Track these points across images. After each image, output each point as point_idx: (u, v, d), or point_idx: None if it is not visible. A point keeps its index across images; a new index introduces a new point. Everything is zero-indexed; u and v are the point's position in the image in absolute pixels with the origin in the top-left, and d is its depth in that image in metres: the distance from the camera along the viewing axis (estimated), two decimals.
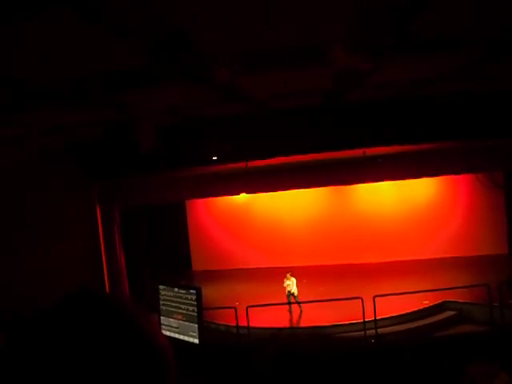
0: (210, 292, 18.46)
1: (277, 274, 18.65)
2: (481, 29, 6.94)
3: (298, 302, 15.85)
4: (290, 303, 15.91)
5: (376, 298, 13.18)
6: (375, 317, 13.19)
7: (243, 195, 20.65)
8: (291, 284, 16.06)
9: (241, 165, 15.48)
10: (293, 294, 15.96)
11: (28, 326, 1.13)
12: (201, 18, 5.76)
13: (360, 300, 13.15)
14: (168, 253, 22.10)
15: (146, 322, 1.18)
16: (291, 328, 15.21)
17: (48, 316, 1.14)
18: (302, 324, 15.36)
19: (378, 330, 13.38)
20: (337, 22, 6.33)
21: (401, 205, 22.37)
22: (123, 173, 15.12)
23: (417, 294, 14.40)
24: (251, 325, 13.66)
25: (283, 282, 16.23)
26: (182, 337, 7.45)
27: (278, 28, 6.38)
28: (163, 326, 7.78)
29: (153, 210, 20.57)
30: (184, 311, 7.44)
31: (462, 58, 8.53)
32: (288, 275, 16.25)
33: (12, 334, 1.13)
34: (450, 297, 15.03)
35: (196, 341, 7.23)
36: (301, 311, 15.89)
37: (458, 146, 15.20)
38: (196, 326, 7.25)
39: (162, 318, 7.85)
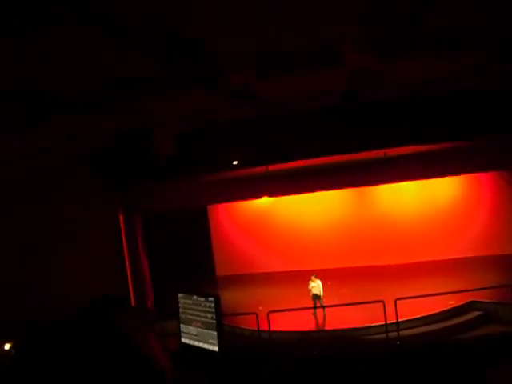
0: (235, 297, 18.47)
1: (300, 277, 18.62)
2: (494, 27, 6.86)
3: (323, 306, 15.72)
4: (315, 307, 15.77)
5: (401, 300, 13.10)
6: (397, 319, 13.09)
7: (265, 199, 20.65)
8: (316, 286, 15.92)
9: (261, 169, 15.48)
10: (318, 296, 15.82)
11: (23, 348, 1.14)
12: (213, 23, 5.77)
13: (385, 302, 13.06)
14: (191, 258, 22.17)
15: (147, 345, 1.19)
16: (316, 331, 15.12)
17: (47, 337, 1.15)
18: (326, 327, 15.26)
19: (404, 332, 13.25)
20: (349, 22, 6.31)
21: (423, 205, 22.15)
22: (144, 180, 15.21)
23: (442, 295, 14.24)
24: (276, 329, 13.64)
25: (308, 285, 16.12)
26: (201, 344, 7.45)
27: (291, 30, 6.38)
28: (183, 334, 7.81)
29: (175, 216, 20.63)
30: (203, 319, 7.45)
31: (480, 55, 8.44)
32: (313, 277, 16.11)
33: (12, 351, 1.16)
34: (476, 297, 14.83)
35: (215, 348, 7.23)
36: (324, 314, 15.77)
37: (480, 144, 15.02)
38: (215, 333, 7.25)
39: (181, 325, 7.86)
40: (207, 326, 7.32)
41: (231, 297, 18.27)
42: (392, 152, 15.01)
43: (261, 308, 14.81)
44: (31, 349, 1.13)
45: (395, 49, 7.77)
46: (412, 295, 13.78)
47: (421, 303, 14.16)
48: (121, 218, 16.46)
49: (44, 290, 14.47)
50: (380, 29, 6.78)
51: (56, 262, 15.10)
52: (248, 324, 15.00)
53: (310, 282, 16.06)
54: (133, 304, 16.12)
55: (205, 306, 7.35)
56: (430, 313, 14.45)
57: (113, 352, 1.12)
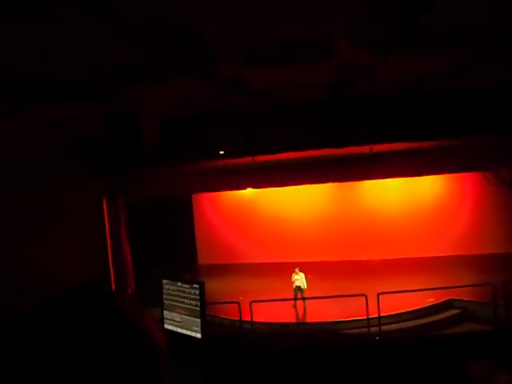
0: (216, 286, 18.50)
1: (282, 269, 18.68)
2: (491, 22, 6.88)
3: (304, 298, 15.81)
4: (296, 299, 15.87)
5: (381, 295, 13.16)
6: (379, 314, 13.17)
7: (249, 190, 20.65)
8: (300, 279, 16.02)
9: (247, 159, 15.46)
10: (301, 289, 15.91)
11: (23, 323, 1.14)
12: (201, 10, 5.74)
13: (364, 297, 13.14)
14: (174, 246, 22.12)
15: (143, 321, 1.19)
16: (296, 323, 15.20)
17: (45, 314, 1.15)
18: (307, 320, 15.35)
19: (383, 327, 13.35)
20: (342, 15, 6.30)
21: (407, 202, 22.33)
22: (129, 166, 15.12)
23: (422, 292, 14.38)
24: (256, 319, 13.66)
25: (291, 277, 16.19)
26: (184, 331, 7.43)
27: (284, 21, 6.35)
28: (166, 320, 7.78)
29: (159, 204, 20.59)
30: (187, 306, 7.42)
31: (472, 52, 8.47)
32: (296, 270, 16.20)
33: (9, 332, 1.15)
34: (455, 295, 14.98)
35: (198, 335, 7.22)
36: (305, 307, 15.85)
37: (465, 143, 15.11)
38: (199, 320, 7.23)
39: (165, 312, 7.83)
40: (191, 313, 7.30)
41: (212, 286, 18.29)
42: (379, 148, 15.05)
43: (241, 298, 14.84)
44: (32, 330, 1.12)
45: (389, 44, 7.77)
46: (392, 291, 13.88)
47: (400, 299, 14.27)
48: (105, 204, 16.36)
49: (29, 276, 14.37)
50: (375, 23, 6.77)
51: (35, 250, 14.99)
52: (228, 314, 15.04)
53: (293, 274, 16.15)
54: (113, 290, 16.05)
55: (189, 292, 7.32)
56: (408, 309, 14.58)
57: (111, 329, 1.12)
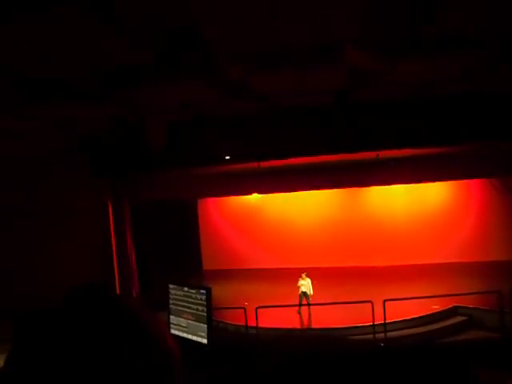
0: (220, 291, 18.45)
1: (287, 275, 18.64)
2: (495, 29, 6.87)
3: (309, 304, 15.73)
4: (300, 304, 15.80)
5: (386, 302, 13.11)
6: (385, 320, 13.11)
7: (255, 195, 20.63)
8: (306, 284, 15.94)
9: (253, 165, 15.44)
10: (306, 294, 15.84)
11: (34, 323, 1.12)
12: (203, 11, 5.73)
13: (370, 303, 13.08)
14: (179, 251, 22.10)
15: (153, 324, 1.18)
16: (300, 329, 15.13)
17: (54, 314, 1.13)
18: (312, 326, 15.28)
19: (388, 334, 13.29)
20: (350, 20, 6.29)
21: (413, 208, 22.27)
22: (135, 169, 15.11)
23: (427, 299, 14.32)
24: (260, 325, 13.62)
25: (297, 282, 16.12)
26: (190, 336, 7.43)
27: (287, 25, 6.35)
28: (172, 325, 7.78)
29: (164, 208, 20.57)
30: (193, 311, 7.43)
31: (477, 58, 8.45)
32: (303, 275, 16.12)
33: (18, 331, 1.13)
34: (461, 302, 14.91)
35: (204, 341, 7.22)
36: (309, 313, 15.78)
37: (471, 150, 15.07)
38: (205, 326, 7.23)
39: (171, 317, 7.83)
40: (197, 319, 7.30)
41: (217, 291, 18.21)
42: (385, 154, 15.00)
43: (246, 304, 14.80)
44: (40, 333, 1.10)
45: (395, 49, 7.76)
46: (397, 297, 13.81)
47: (405, 306, 14.19)
48: (110, 206, 16.35)
49: (31, 277, 14.40)
50: (381, 28, 6.76)
51: (43, 249, 15.01)
52: (233, 319, 15.00)
53: (299, 279, 16.08)
54: (118, 293, 16.04)
55: (196, 298, 7.32)
56: (414, 316, 14.50)
57: (120, 331, 1.11)
